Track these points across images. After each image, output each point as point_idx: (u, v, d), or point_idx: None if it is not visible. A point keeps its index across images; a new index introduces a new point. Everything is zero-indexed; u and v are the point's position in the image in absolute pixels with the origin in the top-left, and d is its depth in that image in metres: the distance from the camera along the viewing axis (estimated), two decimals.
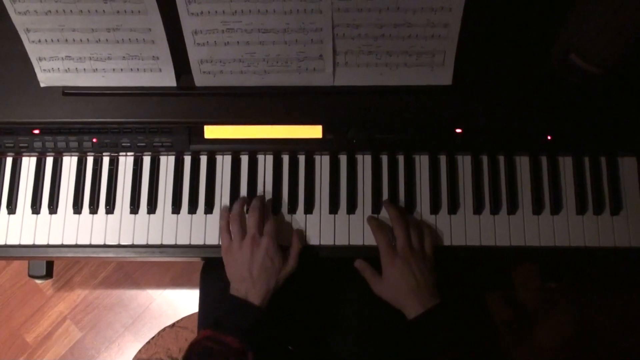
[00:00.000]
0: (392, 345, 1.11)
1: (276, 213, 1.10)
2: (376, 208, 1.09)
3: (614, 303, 1.72)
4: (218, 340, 0.94)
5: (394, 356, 1.11)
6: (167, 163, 1.12)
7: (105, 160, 1.13)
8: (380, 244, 1.03)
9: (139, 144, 1.10)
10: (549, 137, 1.09)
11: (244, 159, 1.12)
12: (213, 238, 1.09)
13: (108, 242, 1.10)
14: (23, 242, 1.10)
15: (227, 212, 1.07)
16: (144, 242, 1.10)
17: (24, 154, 1.13)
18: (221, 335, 0.94)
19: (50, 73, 1.06)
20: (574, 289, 1.73)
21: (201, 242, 1.09)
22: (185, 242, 1.09)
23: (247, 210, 1.07)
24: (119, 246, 1.10)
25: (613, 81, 1.05)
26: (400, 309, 1.00)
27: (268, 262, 1.00)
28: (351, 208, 1.10)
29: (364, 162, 1.12)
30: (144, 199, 1.11)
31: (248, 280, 0.99)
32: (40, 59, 1.05)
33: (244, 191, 1.11)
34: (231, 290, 1.01)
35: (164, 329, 1.52)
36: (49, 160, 1.13)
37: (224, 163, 1.12)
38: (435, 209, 1.09)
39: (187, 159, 1.12)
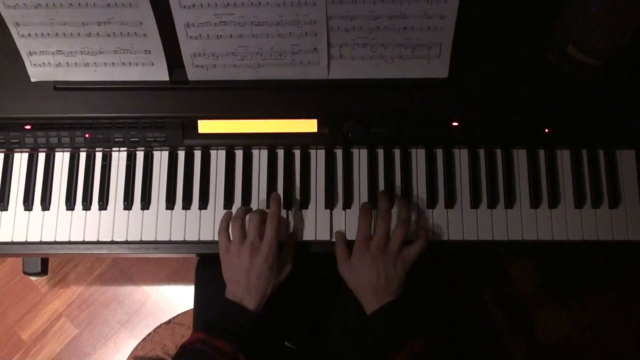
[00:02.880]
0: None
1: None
2: (372, 203, 1.08)
3: (612, 298, 1.72)
4: (210, 344, 0.93)
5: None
6: (160, 158, 1.11)
7: (98, 156, 1.12)
8: (359, 231, 1.03)
9: (131, 139, 1.09)
10: (546, 130, 1.08)
11: (239, 154, 1.11)
12: (207, 234, 1.08)
13: (101, 239, 1.09)
14: (15, 239, 1.09)
15: (229, 215, 1.06)
16: (137, 239, 1.09)
17: (16, 150, 1.12)
18: (214, 339, 0.93)
19: (41, 67, 1.05)
20: (572, 285, 1.72)
21: (195, 238, 1.08)
22: (180, 238, 1.09)
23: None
24: (112, 243, 1.09)
25: (611, 73, 1.04)
26: (359, 300, 1.00)
27: (266, 270, 0.99)
28: (347, 203, 1.09)
29: (360, 156, 1.11)
30: (137, 195, 1.10)
31: (244, 285, 0.98)
32: (30, 53, 1.03)
33: (238, 186, 1.10)
34: (227, 294, 1.00)
35: (160, 326, 1.51)
36: (41, 156, 1.12)
37: (218, 158, 1.11)
38: (432, 203, 1.08)
39: (181, 154, 1.11)
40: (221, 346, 0.92)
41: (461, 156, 1.11)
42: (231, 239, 1.03)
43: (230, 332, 0.95)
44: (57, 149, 1.12)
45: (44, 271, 1.66)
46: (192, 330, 1.21)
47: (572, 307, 1.72)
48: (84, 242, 1.09)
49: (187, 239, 1.08)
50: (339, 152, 1.11)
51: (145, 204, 1.09)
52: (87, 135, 1.09)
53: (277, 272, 1.00)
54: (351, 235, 1.07)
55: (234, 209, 1.09)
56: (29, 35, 1.00)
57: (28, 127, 1.09)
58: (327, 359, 1.14)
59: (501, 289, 1.73)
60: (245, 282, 0.98)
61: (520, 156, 1.10)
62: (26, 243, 1.09)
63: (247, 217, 1.04)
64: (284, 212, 1.08)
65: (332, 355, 1.13)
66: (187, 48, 1.01)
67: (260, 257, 0.99)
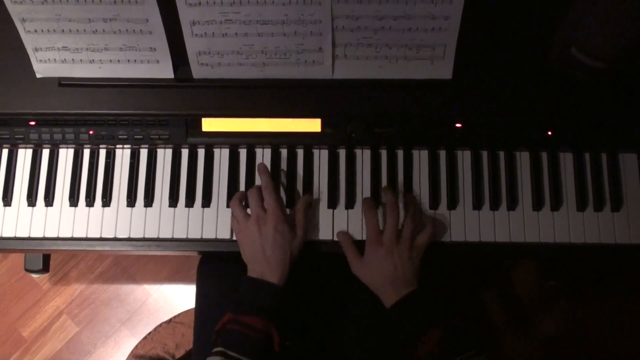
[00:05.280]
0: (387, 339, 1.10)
1: None
2: (375, 203, 1.08)
3: (612, 301, 1.71)
4: (241, 322, 0.93)
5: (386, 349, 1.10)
6: (164, 156, 1.12)
7: (102, 153, 1.12)
8: (368, 226, 1.02)
9: (135, 137, 1.09)
10: (549, 133, 1.08)
11: (242, 153, 1.11)
12: (210, 232, 1.08)
13: (104, 235, 1.09)
14: (18, 235, 1.09)
15: (240, 194, 1.07)
16: (140, 236, 1.09)
17: (20, 145, 1.12)
18: (244, 317, 0.93)
19: (47, 64, 1.05)
20: (573, 287, 1.72)
21: (198, 236, 1.09)
22: (183, 235, 1.09)
23: None
24: (115, 239, 1.09)
25: (614, 75, 1.04)
26: (377, 295, 1.00)
27: (278, 236, 0.98)
28: (350, 203, 1.09)
29: (363, 156, 1.11)
30: (140, 192, 1.10)
31: (262, 259, 0.98)
32: (36, 50, 1.04)
33: (242, 185, 1.10)
34: (249, 272, 1.00)
35: (160, 324, 1.51)
36: (45, 152, 1.12)
37: (221, 156, 1.11)
38: (434, 204, 1.09)
39: (185, 152, 1.11)
40: (251, 322, 0.92)
41: (464, 158, 1.11)
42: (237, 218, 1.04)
43: (258, 307, 0.94)
44: (61, 145, 1.12)
45: (45, 269, 1.66)
46: (193, 330, 1.20)
47: (573, 309, 1.71)
48: (86, 239, 1.09)
49: (190, 236, 1.08)
50: (342, 152, 1.11)
51: (149, 201, 1.09)
52: (91, 132, 1.09)
53: (291, 238, 1.00)
54: (353, 234, 1.07)
55: None
56: (35, 31, 1.01)
57: (32, 122, 1.09)
58: (334, 356, 1.13)
59: (502, 291, 1.73)
60: (262, 256, 0.98)
61: (523, 158, 1.10)
62: (29, 239, 1.09)
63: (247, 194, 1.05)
64: (286, 211, 1.08)
65: (349, 357, 1.13)
66: (192, 46, 1.01)
67: (269, 226, 0.99)
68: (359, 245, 1.04)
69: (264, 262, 0.98)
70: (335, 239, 1.07)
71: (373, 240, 1.01)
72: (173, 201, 1.09)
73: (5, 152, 1.12)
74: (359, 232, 1.07)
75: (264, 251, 0.98)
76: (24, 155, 1.12)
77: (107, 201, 1.10)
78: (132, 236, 1.09)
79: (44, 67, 1.06)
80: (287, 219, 1.01)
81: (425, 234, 1.01)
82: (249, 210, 1.04)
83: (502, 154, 1.10)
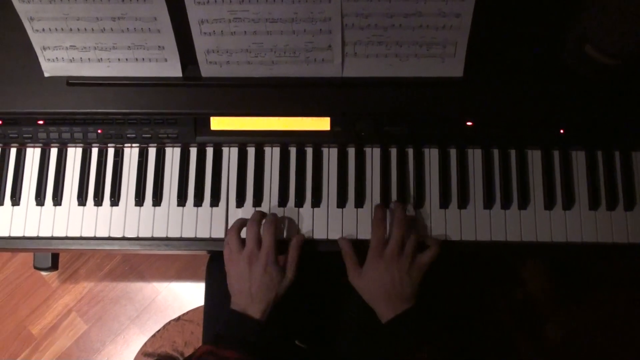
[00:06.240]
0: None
1: (283, 206, 1.08)
2: (385, 202, 1.07)
3: (623, 300, 1.70)
4: (218, 355, 0.92)
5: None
6: (172, 155, 1.11)
7: (110, 152, 1.11)
8: (374, 238, 1.02)
9: (144, 136, 1.09)
10: (561, 131, 1.07)
11: (251, 151, 1.11)
12: (219, 231, 1.08)
13: (113, 235, 1.08)
14: (27, 234, 1.09)
15: (238, 222, 1.05)
16: (149, 235, 1.09)
17: (28, 144, 1.12)
18: (222, 350, 0.93)
19: (55, 63, 1.05)
20: (583, 287, 1.71)
21: (207, 235, 1.08)
22: (191, 235, 1.08)
23: None
24: (123, 239, 1.09)
25: (628, 73, 1.02)
26: (373, 308, 0.99)
27: (267, 278, 0.98)
28: (359, 202, 1.08)
29: (373, 155, 1.10)
30: (149, 191, 1.10)
31: (247, 294, 0.98)
32: (44, 49, 1.03)
33: (250, 184, 1.09)
34: (232, 304, 1.00)
35: (169, 322, 1.51)
36: (54, 151, 1.12)
37: (230, 155, 1.11)
38: (445, 203, 1.08)
39: (193, 151, 1.11)
40: (229, 356, 0.92)
41: (475, 156, 1.10)
42: (230, 249, 1.03)
43: (237, 341, 0.94)
44: (69, 145, 1.11)
45: (54, 266, 1.67)
46: (202, 327, 1.20)
47: (583, 309, 1.70)
48: (95, 238, 1.09)
49: (198, 236, 1.08)
50: (351, 151, 1.10)
51: (157, 200, 1.09)
52: (99, 131, 1.09)
53: (280, 279, 0.99)
54: (362, 234, 1.06)
55: (246, 207, 1.08)
56: (43, 30, 1.01)
57: (41, 122, 1.09)
58: (338, 359, 1.13)
59: (511, 290, 1.72)
60: (247, 292, 0.98)
61: (535, 157, 1.09)
62: (38, 238, 1.09)
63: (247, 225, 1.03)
64: (294, 211, 1.08)
65: (343, 356, 1.12)
66: (200, 44, 1.00)
67: (259, 265, 0.98)
68: (364, 244, 1.04)
69: (249, 298, 0.98)
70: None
71: (375, 252, 1.00)
72: (181, 200, 1.09)
73: (13, 151, 1.12)
74: (368, 231, 1.06)
75: (250, 287, 0.98)
76: (32, 155, 1.12)
77: (115, 200, 1.09)
78: (140, 235, 1.08)
79: (52, 66, 1.06)
80: (277, 261, 1.00)
81: (430, 253, 1.00)
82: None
83: (513, 153, 1.09)
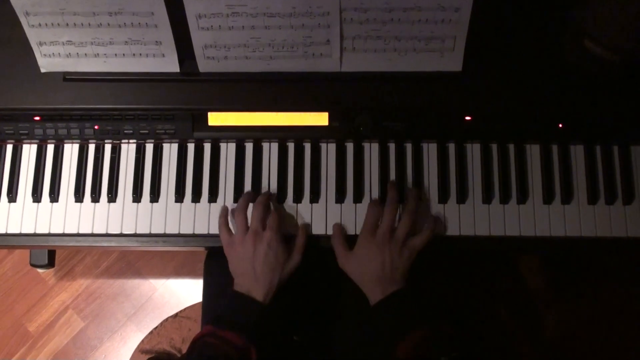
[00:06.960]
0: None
1: (281, 202, 1.08)
2: (383, 197, 1.07)
3: (622, 296, 1.70)
4: (220, 336, 0.92)
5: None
6: (170, 151, 1.11)
7: (107, 148, 1.11)
8: (367, 220, 1.02)
9: (141, 131, 1.08)
10: (560, 125, 1.07)
11: (249, 147, 1.10)
12: (217, 227, 1.07)
13: (110, 231, 1.08)
14: (24, 231, 1.09)
15: (225, 209, 1.06)
16: (146, 231, 1.08)
17: (25, 141, 1.11)
18: (223, 332, 0.93)
19: (51, 58, 1.04)
20: (582, 283, 1.71)
21: (205, 232, 1.08)
22: (189, 231, 1.08)
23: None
24: (121, 235, 1.08)
25: (626, 68, 1.02)
26: (362, 289, 0.99)
27: (271, 256, 0.98)
28: (358, 197, 1.08)
29: (371, 150, 1.10)
30: (146, 188, 1.09)
31: (251, 275, 0.98)
32: (40, 44, 1.02)
33: (248, 180, 1.09)
34: (235, 286, 0.99)
35: (166, 319, 1.50)
36: (50, 148, 1.11)
37: (228, 151, 1.10)
38: (443, 198, 1.07)
39: (191, 147, 1.10)
40: (230, 338, 0.92)
41: (473, 151, 1.09)
42: (234, 231, 1.03)
43: (239, 323, 0.94)
44: (66, 141, 1.11)
45: (51, 264, 1.66)
46: (200, 324, 1.20)
47: (581, 305, 1.71)
48: (92, 235, 1.08)
49: (196, 232, 1.08)
50: (350, 146, 1.10)
51: (155, 196, 1.09)
52: (96, 127, 1.09)
53: (284, 261, 0.99)
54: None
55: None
56: (39, 25, 1.00)
57: (37, 118, 1.08)
58: (333, 352, 1.13)
59: (509, 286, 1.72)
60: (251, 272, 0.98)
61: (534, 151, 1.09)
62: (34, 235, 1.09)
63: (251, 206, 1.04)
64: (293, 206, 1.08)
65: (336, 349, 1.12)
66: (198, 39, 1.00)
67: (264, 243, 0.98)
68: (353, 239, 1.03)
69: (252, 279, 0.97)
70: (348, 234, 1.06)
71: (367, 233, 1.00)
72: (179, 196, 1.08)
73: (9, 147, 1.11)
74: None
75: (254, 267, 0.98)
76: (29, 151, 1.11)
77: (112, 197, 1.09)
78: (138, 232, 1.08)
79: (48, 61, 1.05)
80: (283, 241, 1.00)
81: (422, 237, 1.00)
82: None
83: (512, 147, 1.09)
